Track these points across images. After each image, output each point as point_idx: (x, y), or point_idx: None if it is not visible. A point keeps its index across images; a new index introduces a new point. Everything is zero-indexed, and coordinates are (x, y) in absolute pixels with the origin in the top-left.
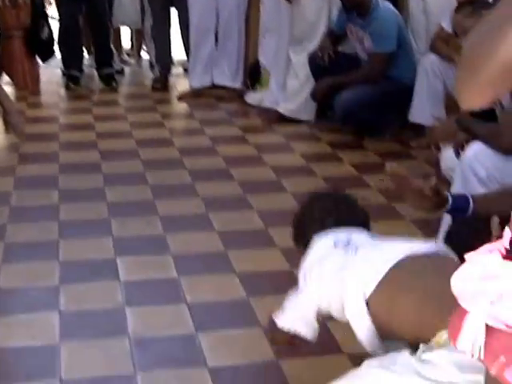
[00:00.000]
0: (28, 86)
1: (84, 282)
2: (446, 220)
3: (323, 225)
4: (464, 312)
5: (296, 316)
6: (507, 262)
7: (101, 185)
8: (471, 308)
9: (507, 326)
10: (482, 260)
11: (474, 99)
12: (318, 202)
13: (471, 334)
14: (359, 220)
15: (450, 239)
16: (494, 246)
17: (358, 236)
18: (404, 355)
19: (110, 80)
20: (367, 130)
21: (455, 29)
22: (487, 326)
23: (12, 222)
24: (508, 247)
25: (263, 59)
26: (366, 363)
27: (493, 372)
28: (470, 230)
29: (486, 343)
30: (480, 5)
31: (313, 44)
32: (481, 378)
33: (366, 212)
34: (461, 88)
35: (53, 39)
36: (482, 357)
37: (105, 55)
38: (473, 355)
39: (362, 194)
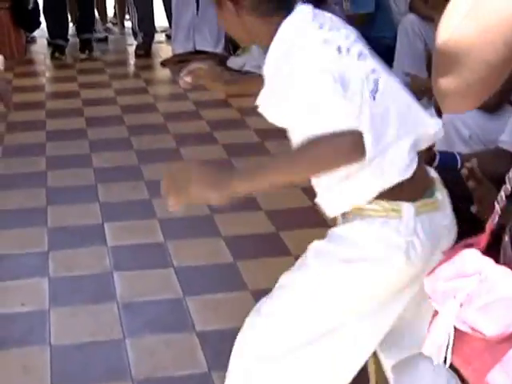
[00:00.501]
0: (14, 55)
1: (72, 247)
2: None
3: None
4: (436, 313)
5: None
6: (483, 259)
7: (87, 151)
8: (440, 309)
9: (473, 329)
10: (457, 257)
11: (462, 102)
12: None
13: (438, 337)
14: None
15: None
16: (473, 239)
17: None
18: None
19: (86, 46)
20: None
21: None
22: (456, 328)
23: (0, 190)
24: (488, 240)
25: None
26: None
27: (469, 378)
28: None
29: (455, 347)
30: None
31: None
32: None
33: None
34: (444, 91)
35: (38, 10)
36: (450, 361)
37: (86, 21)
38: (438, 360)
39: None
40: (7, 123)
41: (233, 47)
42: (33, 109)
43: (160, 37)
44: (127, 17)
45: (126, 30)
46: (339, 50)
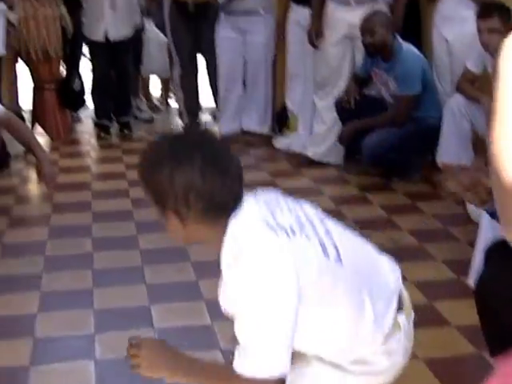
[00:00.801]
0: (60, 136)
1: (119, 329)
2: (478, 261)
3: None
4: None
5: None
6: None
7: (133, 232)
8: None
9: None
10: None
11: None
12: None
13: None
14: None
15: (481, 284)
16: None
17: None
18: None
19: (125, 127)
20: (395, 171)
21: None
22: None
23: (47, 271)
24: None
25: (290, 104)
26: None
27: None
28: (502, 276)
29: None
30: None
31: (336, 89)
32: None
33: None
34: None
35: (84, 90)
36: None
37: (122, 104)
38: None
39: (392, 235)
40: (53, 204)
41: (279, 127)
42: (79, 190)
43: (206, 117)
44: (172, 96)
45: (171, 109)
46: (289, 233)
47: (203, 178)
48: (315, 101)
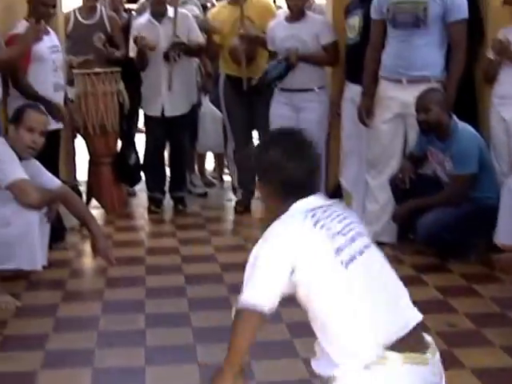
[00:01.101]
0: (115, 209)
1: None
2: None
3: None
4: None
5: None
6: None
7: (186, 309)
8: None
9: None
10: None
11: None
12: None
13: None
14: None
15: None
16: None
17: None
18: None
19: (179, 202)
20: (451, 251)
21: None
22: None
23: (100, 347)
24: None
25: (345, 182)
26: None
27: None
28: None
29: None
30: None
31: (389, 168)
32: None
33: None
34: None
35: (139, 165)
36: None
37: (177, 180)
38: None
39: (448, 318)
40: (107, 278)
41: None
42: (132, 264)
43: (259, 193)
44: (226, 171)
45: (225, 184)
46: (317, 226)
47: (287, 157)
48: (368, 180)
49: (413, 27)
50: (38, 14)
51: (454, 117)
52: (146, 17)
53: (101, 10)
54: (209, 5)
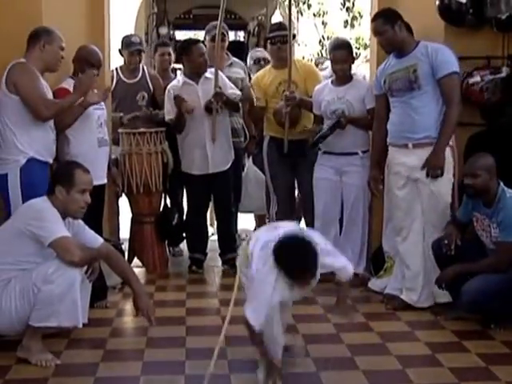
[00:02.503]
0: (157, 269)
1: None
2: None
3: None
4: None
5: None
6: None
7: (226, 371)
8: None
9: None
10: None
11: None
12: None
13: None
14: None
15: None
16: None
17: None
18: None
19: (227, 263)
20: (494, 318)
21: None
22: None
23: None
24: None
25: (387, 247)
26: None
27: None
28: None
29: None
30: None
31: (413, 232)
32: None
33: None
34: None
35: (182, 224)
36: None
37: (228, 241)
38: None
39: None
40: (148, 338)
41: (374, 268)
42: (173, 324)
43: None
44: None
45: None
46: None
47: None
48: (398, 247)
49: (408, 91)
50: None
51: (501, 183)
52: (180, 79)
53: (143, 69)
54: (262, 62)
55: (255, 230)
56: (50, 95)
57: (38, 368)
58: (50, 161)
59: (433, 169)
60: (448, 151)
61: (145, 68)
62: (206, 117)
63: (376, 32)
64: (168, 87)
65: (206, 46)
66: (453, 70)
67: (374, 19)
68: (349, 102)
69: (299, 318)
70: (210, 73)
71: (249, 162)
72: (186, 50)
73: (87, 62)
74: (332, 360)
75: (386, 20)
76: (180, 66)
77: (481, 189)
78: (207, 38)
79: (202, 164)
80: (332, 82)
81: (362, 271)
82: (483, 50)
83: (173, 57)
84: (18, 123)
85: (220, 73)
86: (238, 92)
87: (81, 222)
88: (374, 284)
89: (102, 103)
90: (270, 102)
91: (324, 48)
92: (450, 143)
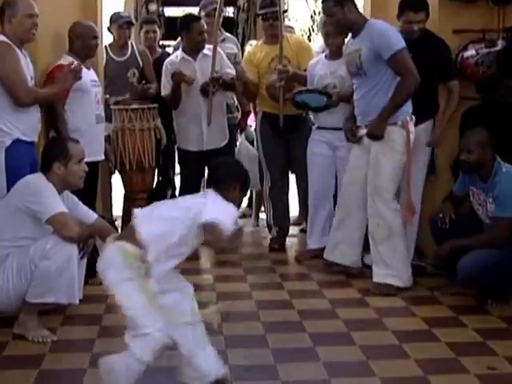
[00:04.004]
0: None
1: None
2: None
3: None
4: None
5: None
6: None
7: (222, 347)
8: None
9: None
10: None
11: None
12: None
13: None
14: None
15: None
16: None
17: None
18: None
19: None
20: (491, 293)
21: None
22: None
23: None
24: None
25: None
26: None
27: None
28: None
29: None
30: None
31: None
32: None
33: None
34: None
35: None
36: None
37: None
38: None
39: (488, 362)
40: None
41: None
42: None
43: (294, 230)
44: (262, 208)
45: (260, 221)
46: None
47: None
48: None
49: (358, 76)
50: (86, 48)
51: (498, 158)
52: (178, 54)
53: (132, 46)
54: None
55: (248, 205)
56: (30, 74)
57: (35, 344)
58: (35, 140)
59: (370, 133)
60: (398, 132)
61: (133, 44)
62: (202, 98)
63: (326, 14)
64: (165, 62)
65: None
66: (396, 49)
67: (325, 0)
68: (341, 76)
69: (294, 293)
70: (207, 49)
71: (242, 138)
72: (185, 26)
73: (89, 36)
74: (327, 335)
75: (336, 2)
76: (169, 42)
77: (476, 164)
78: (202, 13)
79: (197, 140)
80: (326, 56)
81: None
82: (478, 23)
83: (159, 34)
84: (1, 105)
85: (219, 50)
86: (234, 73)
87: (75, 197)
88: (368, 259)
89: (98, 82)
90: (263, 78)
91: (315, 23)
92: (411, 129)
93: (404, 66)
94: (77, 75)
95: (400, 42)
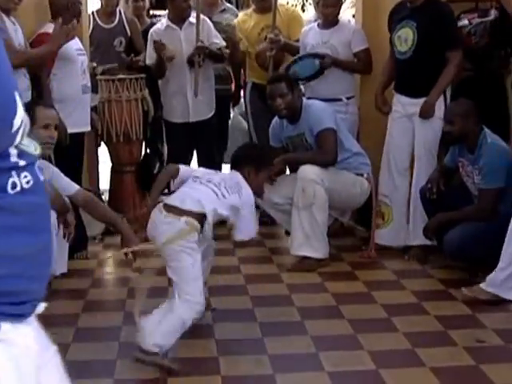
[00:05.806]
0: (138, 220)
1: None
2: None
3: None
4: None
5: None
6: None
7: (209, 321)
8: None
9: None
10: None
11: None
12: None
13: None
14: None
15: None
16: None
17: None
18: None
19: None
20: (480, 266)
21: None
22: None
23: (121, 358)
24: None
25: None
26: None
27: None
28: None
29: None
30: None
31: None
32: None
33: None
34: None
35: None
36: None
37: None
38: None
39: (477, 334)
40: (129, 288)
41: (362, 218)
42: (156, 275)
43: None
44: None
45: None
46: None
47: None
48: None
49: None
50: (69, 13)
51: (485, 129)
52: (164, 22)
53: (120, 14)
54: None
55: None
56: (19, 41)
57: None
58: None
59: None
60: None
61: (122, 12)
62: (188, 69)
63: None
64: (151, 30)
65: None
66: (324, 127)
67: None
68: (333, 46)
69: (283, 267)
70: (193, 17)
71: (234, 112)
72: None
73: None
74: (316, 309)
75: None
76: (159, 12)
77: (458, 135)
78: None
79: (183, 112)
80: (318, 25)
81: (347, 220)
82: None
83: (147, 3)
84: None
85: (206, 19)
86: (223, 42)
87: (56, 168)
88: (379, 237)
89: (83, 50)
90: (252, 47)
91: None
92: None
93: (326, 145)
94: (69, 34)
95: (331, 123)
